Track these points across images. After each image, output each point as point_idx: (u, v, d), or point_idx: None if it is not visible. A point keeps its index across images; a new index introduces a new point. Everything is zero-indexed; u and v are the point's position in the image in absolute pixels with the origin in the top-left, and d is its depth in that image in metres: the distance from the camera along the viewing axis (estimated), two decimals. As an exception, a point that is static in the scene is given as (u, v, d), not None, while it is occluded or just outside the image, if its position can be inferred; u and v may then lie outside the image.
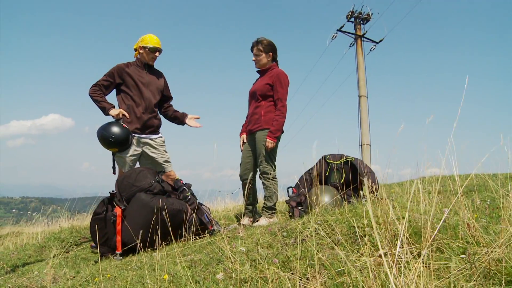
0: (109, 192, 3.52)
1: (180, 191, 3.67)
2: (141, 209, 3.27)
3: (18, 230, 9.59)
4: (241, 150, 4.35)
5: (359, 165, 3.73)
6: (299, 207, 3.43)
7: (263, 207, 4.10)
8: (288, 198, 4.01)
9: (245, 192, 4.34)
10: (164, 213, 3.21)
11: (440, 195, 3.19)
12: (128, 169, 4.03)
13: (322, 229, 2.43)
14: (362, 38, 17.83)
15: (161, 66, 4.55)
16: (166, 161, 4.26)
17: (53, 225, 10.28)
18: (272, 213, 4.08)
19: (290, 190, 4.09)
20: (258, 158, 4.09)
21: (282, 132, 4.10)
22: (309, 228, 2.49)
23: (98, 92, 4.03)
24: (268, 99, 4.10)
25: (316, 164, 3.94)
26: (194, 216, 3.48)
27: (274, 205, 4.09)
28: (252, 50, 4.26)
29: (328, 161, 3.82)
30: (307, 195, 3.58)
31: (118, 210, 3.30)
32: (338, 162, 3.78)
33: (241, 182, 4.32)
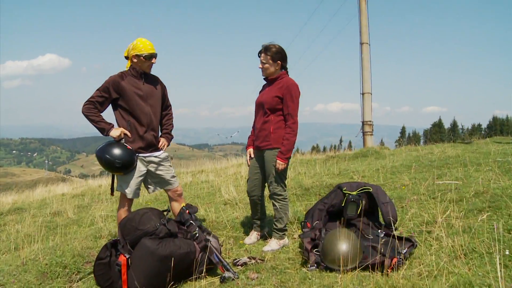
0: (112, 239, 3.29)
1: (187, 225, 3.44)
2: (147, 257, 3.07)
3: (18, 205, 9.54)
4: (248, 165, 4.10)
5: (377, 196, 3.49)
6: (314, 250, 3.21)
7: (274, 228, 3.92)
8: (301, 223, 3.82)
9: (253, 208, 4.14)
10: (172, 260, 3.04)
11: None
12: (134, 191, 3.79)
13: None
14: (366, -18, 16.88)
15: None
16: (173, 176, 4.02)
17: (54, 183, 10.19)
18: (283, 234, 3.92)
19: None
20: (268, 179, 3.85)
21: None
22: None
23: (94, 111, 3.68)
24: (277, 112, 3.77)
25: (331, 193, 3.69)
26: (204, 255, 3.28)
27: (285, 226, 3.91)
28: (259, 55, 3.86)
29: (345, 191, 3.56)
30: (322, 232, 3.36)
31: (122, 259, 3.09)
32: (355, 193, 3.52)
33: (249, 198, 4.10)
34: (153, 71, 3.94)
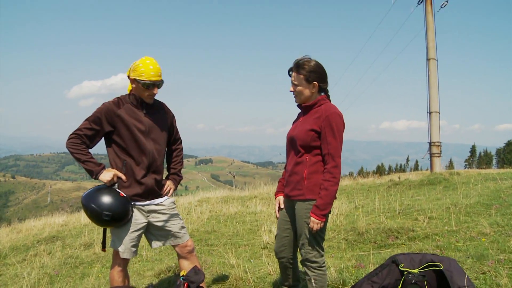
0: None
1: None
2: None
3: (53, 233, 9.33)
4: (277, 217, 3.21)
5: (451, 276, 2.44)
6: None
7: None
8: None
9: (283, 273, 3.24)
10: None
11: None
12: (129, 249, 3.05)
13: None
14: (432, -7, 15.67)
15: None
16: (182, 228, 3.22)
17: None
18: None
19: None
20: (299, 239, 2.93)
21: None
22: None
23: (80, 147, 2.95)
24: (313, 151, 2.87)
25: (383, 269, 2.71)
26: None
27: (323, 302, 2.95)
28: (289, 74, 2.99)
29: (402, 269, 2.57)
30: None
31: None
32: (417, 271, 2.52)
33: (277, 259, 3.22)
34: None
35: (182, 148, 3.48)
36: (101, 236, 3.21)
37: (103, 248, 3.19)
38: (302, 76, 2.87)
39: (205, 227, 7.19)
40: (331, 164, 2.78)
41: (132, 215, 3.02)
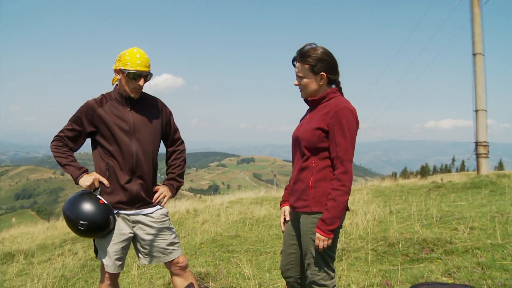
0: None
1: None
2: None
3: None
4: (283, 231, 2.78)
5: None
6: None
7: None
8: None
9: None
10: None
11: None
12: (113, 262, 2.73)
13: None
14: (479, -16, 14.68)
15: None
16: (172, 244, 2.85)
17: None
18: None
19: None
20: (305, 258, 2.51)
21: (348, 209, 2.48)
22: None
23: (61, 149, 2.72)
24: (320, 154, 2.44)
25: None
26: None
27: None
28: (293, 64, 2.57)
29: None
30: None
31: None
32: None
33: (284, 278, 2.80)
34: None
35: (183, 150, 3.09)
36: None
37: (96, 255, 2.90)
38: (307, 66, 2.44)
39: (229, 231, 6.91)
40: (340, 169, 2.35)
41: (114, 225, 2.71)
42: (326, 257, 2.43)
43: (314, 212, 2.42)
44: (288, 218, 2.71)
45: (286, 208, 2.74)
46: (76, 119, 2.72)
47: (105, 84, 2.77)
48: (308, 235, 2.43)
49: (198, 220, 8.42)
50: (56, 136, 2.76)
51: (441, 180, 12.70)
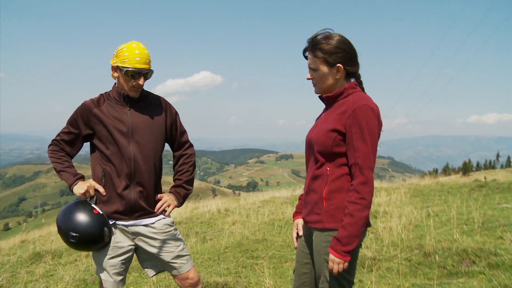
0: None
1: None
2: None
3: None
4: (295, 247, 2.44)
5: None
6: None
7: None
8: None
9: None
10: None
11: None
12: (110, 277, 2.49)
13: None
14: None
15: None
16: (178, 257, 2.57)
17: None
18: None
19: None
20: (318, 282, 2.15)
21: (368, 225, 2.11)
22: None
23: (57, 154, 2.52)
24: (336, 160, 2.07)
25: None
26: None
27: None
28: (305, 55, 2.20)
29: None
30: None
31: None
32: None
33: None
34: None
35: (191, 154, 2.79)
36: None
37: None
38: (321, 58, 2.08)
39: (256, 234, 6.64)
40: (358, 179, 1.97)
41: (110, 238, 2.46)
42: (342, 281, 2.07)
43: (327, 228, 2.06)
44: (301, 232, 2.37)
45: (300, 221, 2.39)
46: (72, 121, 2.52)
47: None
48: (321, 256, 2.09)
49: (228, 220, 8.20)
50: (53, 140, 2.57)
51: (485, 178, 11.96)
